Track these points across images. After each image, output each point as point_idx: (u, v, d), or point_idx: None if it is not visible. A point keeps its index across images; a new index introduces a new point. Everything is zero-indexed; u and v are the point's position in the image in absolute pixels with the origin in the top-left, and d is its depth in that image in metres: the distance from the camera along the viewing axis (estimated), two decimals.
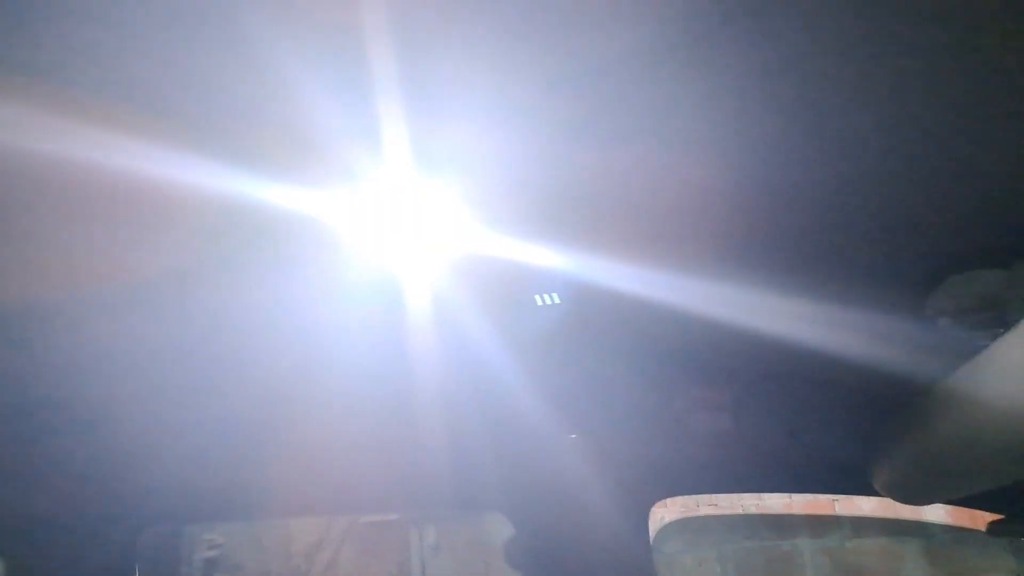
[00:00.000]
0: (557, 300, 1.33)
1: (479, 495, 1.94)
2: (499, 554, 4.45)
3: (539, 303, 1.34)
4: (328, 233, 1.05)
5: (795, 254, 1.22)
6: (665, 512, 4.55)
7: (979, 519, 4.00)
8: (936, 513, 4.20)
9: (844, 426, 1.67)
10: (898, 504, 4.42)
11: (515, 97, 0.84)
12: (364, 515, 4.53)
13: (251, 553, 4.85)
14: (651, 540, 4.40)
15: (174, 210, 0.99)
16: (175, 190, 0.92)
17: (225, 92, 0.82)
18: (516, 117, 0.88)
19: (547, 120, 0.87)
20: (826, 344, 1.39)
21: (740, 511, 4.52)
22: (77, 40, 0.75)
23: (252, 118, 0.85)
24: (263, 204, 0.96)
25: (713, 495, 4.45)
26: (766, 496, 4.37)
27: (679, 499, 4.48)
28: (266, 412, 1.67)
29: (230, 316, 1.27)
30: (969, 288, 1.20)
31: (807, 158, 0.99)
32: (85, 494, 1.83)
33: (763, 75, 0.84)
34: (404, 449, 1.78)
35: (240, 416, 1.65)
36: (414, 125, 0.85)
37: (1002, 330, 1.20)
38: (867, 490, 1.69)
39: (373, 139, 0.86)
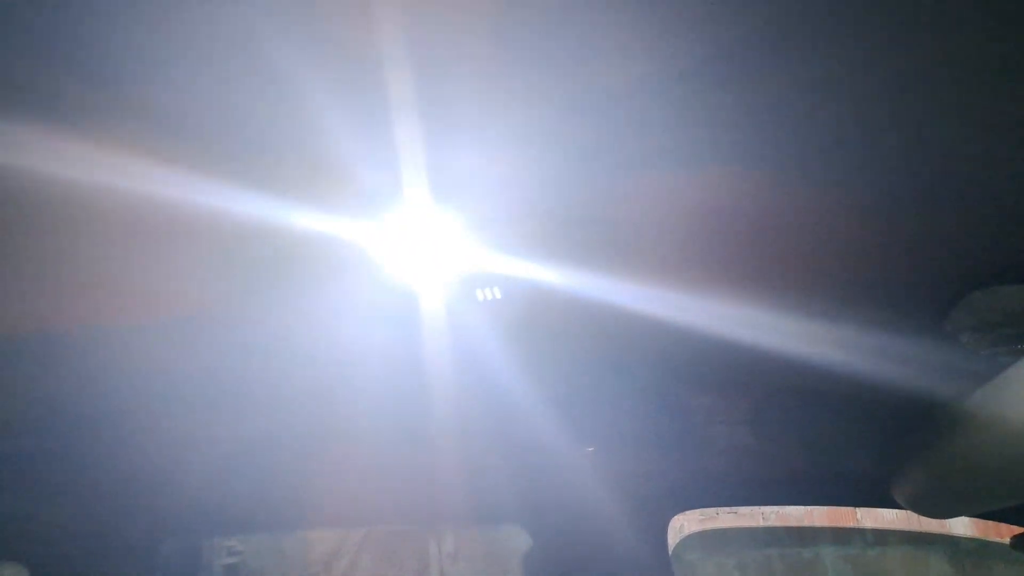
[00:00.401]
0: (574, 319, 1.33)
1: (497, 508, 1.94)
2: (517, 563, 4.44)
3: (556, 322, 1.34)
4: (346, 256, 1.06)
5: (814, 271, 1.21)
6: (685, 521, 4.52)
7: (1004, 528, 3.95)
8: (961, 521, 4.13)
9: (865, 440, 1.66)
10: None
11: (533, 121, 0.84)
12: (378, 528, 4.55)
13: (270, 560, 4.88)
14: (671, 549, 4.37)
15: (197, 235, 1.01)
16: (199, 217, 0.94)
17: (248, 120, 0.83)
18: (533, 141, 0.88)
19: (563, 144, 0.87)
20: (846, 359, 1.38)
21: (760, 519, 4.48)
22: (103, 70, 0.76)
23: (272, 147, 0.86)
24: (282, 230, 0.97)
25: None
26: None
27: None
28: (287, 428, 1.68)
29: (251, 337, 1.29)
30: (990, 304, 1.18)
31: (825, 176, 0.99)
32: (109, 506, 1.85)
33: (776, 97, 0.84)
34: (423, 464, 1.79)
35: (261, 432, 1.66)
36: (432, 150, 0.85)
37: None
38: (888, 503, 1.67)
39: (391, 165, 0.87)
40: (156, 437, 1.69)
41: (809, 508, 4.34)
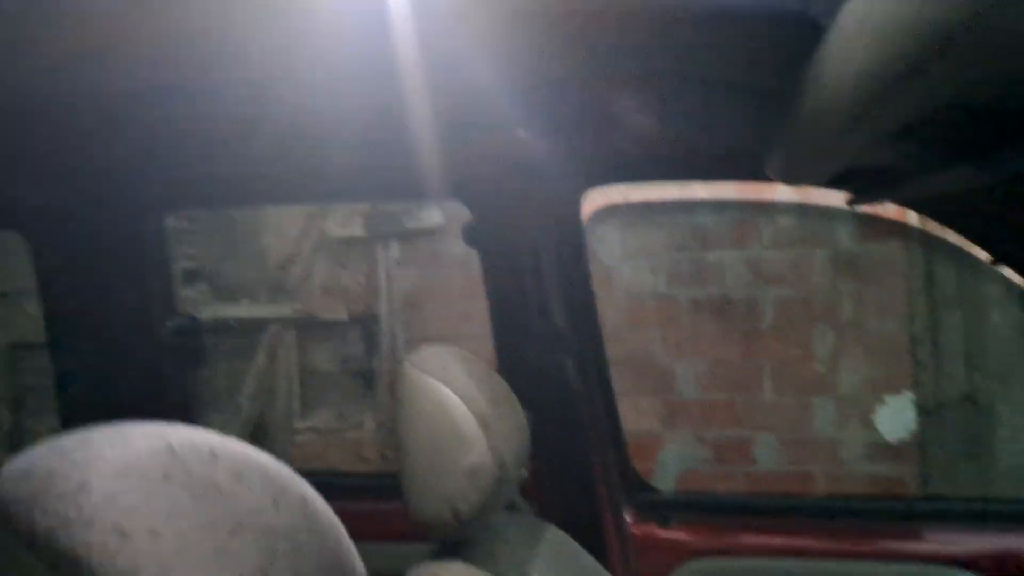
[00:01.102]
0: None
1: (439, 184, 2.28)
2: (456, 263, 4.93)
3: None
4: None
5: None
6: (607, 228, 5.00)
7: (882, 233, 4.55)
8: (846, 227, 4.71)
9: (749, 121, 1.96)
10: (813, 218, 4.89)
11: None
12: (336, 204, 4.89)
13: (229, 265, 5.28)
14: (592, 245, 4.89)
15: None
16: None
17: None
18: None
19: None
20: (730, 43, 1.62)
21: (677, 228, 4.98)
22: None
23: None
24: None
25: (651, 212, 4.89)
26: (697, 213, 4.82)
27: (621, 215, 4.92)
28: (255, 108, 1.88)
29: (224, 18, 1.43)
30: None
31: None
32: (97, 184, 2.09)
33: None
34: (373, 143, 2.04)
35: (232, 112, 1.86)
36: None
37: None
38: (765, 177, 1.99)
39: None
40: (143, 121, 1.86)
41: (717, 221, 4.85)
